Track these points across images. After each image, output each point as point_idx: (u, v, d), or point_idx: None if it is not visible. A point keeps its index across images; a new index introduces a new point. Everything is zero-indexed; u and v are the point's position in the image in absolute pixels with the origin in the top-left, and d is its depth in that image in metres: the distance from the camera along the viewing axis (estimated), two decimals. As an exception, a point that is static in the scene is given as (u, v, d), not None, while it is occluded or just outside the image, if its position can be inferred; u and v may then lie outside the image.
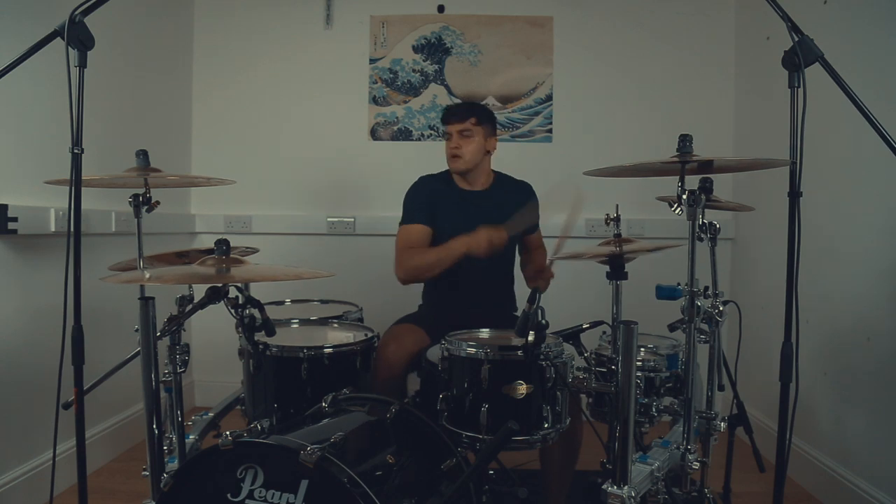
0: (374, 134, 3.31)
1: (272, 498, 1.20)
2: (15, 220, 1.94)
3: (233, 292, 1.42)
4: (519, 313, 1.46)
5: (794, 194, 1.28)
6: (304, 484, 1.18)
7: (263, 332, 1.54)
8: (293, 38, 3.30)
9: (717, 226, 1.67)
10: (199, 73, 3.33)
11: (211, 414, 1.92)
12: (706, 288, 1.57)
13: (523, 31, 3.27)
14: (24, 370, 2.05)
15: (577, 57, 3.26)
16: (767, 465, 1.76)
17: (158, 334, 1.33)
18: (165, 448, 1.55)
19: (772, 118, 2.73)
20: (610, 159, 1.60)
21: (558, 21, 3.26)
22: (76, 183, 1.30)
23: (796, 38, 1.26)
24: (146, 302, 1.30)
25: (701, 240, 1.50)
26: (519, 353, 1.47)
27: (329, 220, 3.27)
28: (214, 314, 1.51)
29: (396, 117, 3.30)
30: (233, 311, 1.44)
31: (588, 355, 1.66)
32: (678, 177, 1.47)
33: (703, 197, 1.44)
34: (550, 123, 3.27)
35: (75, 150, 1.29)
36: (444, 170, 2.32)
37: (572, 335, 1.64)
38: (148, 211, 1.71)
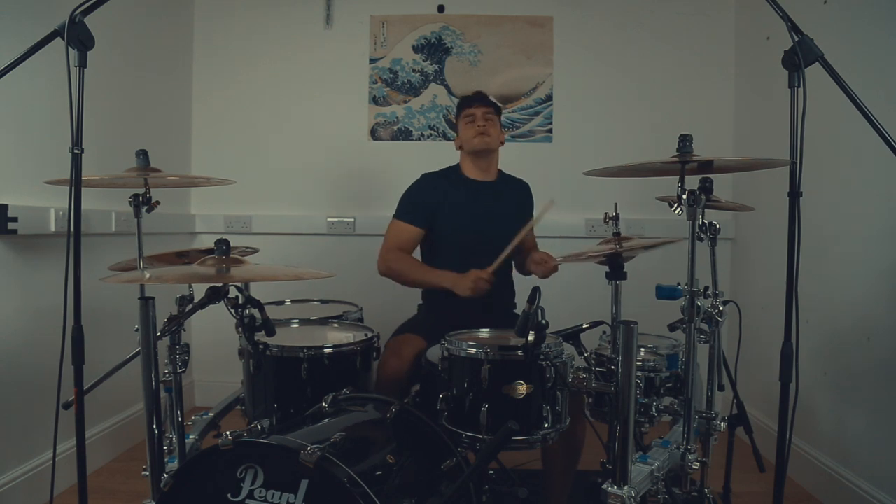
0: (374, 134, 3.31)
1: (272, 498, 1.20)
2: (15, 220, 1.94)
3: (233, 292, 1.41)
4: (519, 313, 1.46)
5: (794, 194, 1.28)
6: (304, 484, 1.18)
7: (263, 332, 1.54)
8: (293, 38, 3.30)
9: (717, 226, 1.67)
10: (199, 73, 3.33)
11: (211, 414, 1.92)
12: (706, 288, 1.57)
13: (523, 31, 3.27)
14: (24, 370, 2.05)
15: (577, 57, 3.26)
16: (767, 465, 1.76)
17: (158, 334, 1.33)
18: (165, 448, 1.55)
19: (772, 118, 2.73)
20: (610, 159, 1.60)
21: (558, 21, 3.26)
22: (76, 183, 1.30)
23: (796, 38, 1.26)
24: (146, 302, 1.30)
25: (701, 240, 1.50)
26: (519, 353, 1.47)
27: (329, 220, 3.27)
28: (214, 314, 1.51)
29: (396, 117, 3.30)
30: (233, 311, 1.44)
31: (588, 355, 1.66)
32: (678, 177, 1.47)
33: (703, 197, 1.44)
34: (550, 123, 3.27)
35: (75, 150, 1.29)
36: (447, 166, 2.32)
37: (572, 335, 1.64)
38: (148, 211, 1.71)
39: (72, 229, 1.30)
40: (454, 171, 2.31)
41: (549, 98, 3.27)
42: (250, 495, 1.21)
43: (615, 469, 1.33)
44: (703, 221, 1.47)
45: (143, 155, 1.63)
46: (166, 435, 1.57)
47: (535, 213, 2.20)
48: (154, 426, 1.33)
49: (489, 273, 1.97)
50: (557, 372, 1.49)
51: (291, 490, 1.19)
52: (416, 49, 3.29)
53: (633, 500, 1.30)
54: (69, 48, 1.27)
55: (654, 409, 1.72)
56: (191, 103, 3.33)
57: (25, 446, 2.07)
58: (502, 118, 3.18)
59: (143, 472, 1.39)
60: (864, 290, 2.11)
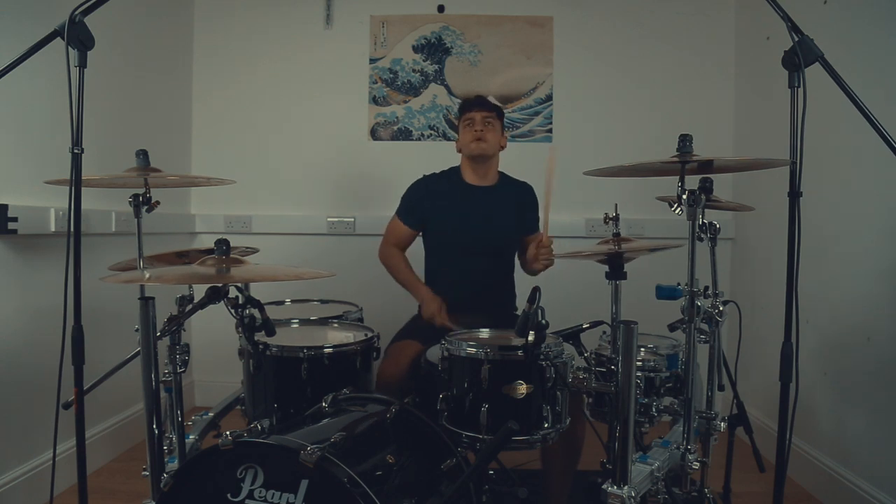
0: (374, 134, 3.31)
1: (272, 498, 1.20)
2: (15, 220, 1.94)
3: (233, 292, 1.42)
4: (519, 313, 1.46)
5: (794, 194, 1.28)
6: (304, 484, 1.18)
7: (263, 332, 1.54)
8: (293, 38, 3.30)
9: (717, 226, 1.67)
10: (199, 73, 3.33)
11: (211, 414, 1.92)
12: (706, 288, 1.57)
13: (523, 31, 3.27)
14: (24, 370, 2.05)
15: (577, 57, 3.26)
16: (767, 465, 1.76)
17: (158, 334, 1.33)
18: (165, 448, 1.55)
19: (772, 118, 2.73)
20: (610, 159, 1.59)
21: (558, 21, 3.26)
22: (76, 183, 1.30)
23: (796, 38, 1.26)
24: (146, 302, 1.30)
25: (701, 240, 1.50)
26: (519, 353, 1.47)
27: (329, 220, 3.27)
28: (214, 314, 1.51)
29: (396, 117, 3.30)
30: (233, 311, 1.44)
31: (588, 355, 1.66)
32: (678, 177, 1.47)
33: (703, 197, 1.44)
34: (550, 123, 3.27)
35: (75, 150, 1.29)
36: (449, 167, 2.33)
37: (572, 335, 1.64)
38: (148, 211, 1.71)
39: (72, 229, 1.30)
40: (455, 173, 2.32)
41: (549, 98, 3.27)
42: (250, 495, 1.21)
43: (615, 469, 1.33)
44: (703, 221, 1.47)
45: (143, 155, 1.63)
46: (166, 435, 1.57)
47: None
48: (154, 426, 1.33)
49: (447, 320, 2.06)
50: (557, 372, 1.49)
51: (291, 490, 1.19)
52: (416, 49, 3.29)
53: (633, 500, 1.30)
54: (69, 48, 1.27)
55: (654, 409, 1.72)
56: (191, 103, 3.33)
57: (25, 446, 2.07)
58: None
59: (143, 472, 1.39)
60: (864, 290, 2.11)
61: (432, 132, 3.28)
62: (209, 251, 1.38)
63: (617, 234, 1.67)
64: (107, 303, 2.24)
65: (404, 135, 3.29)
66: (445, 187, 2.26)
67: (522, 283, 2.35)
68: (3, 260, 1.99)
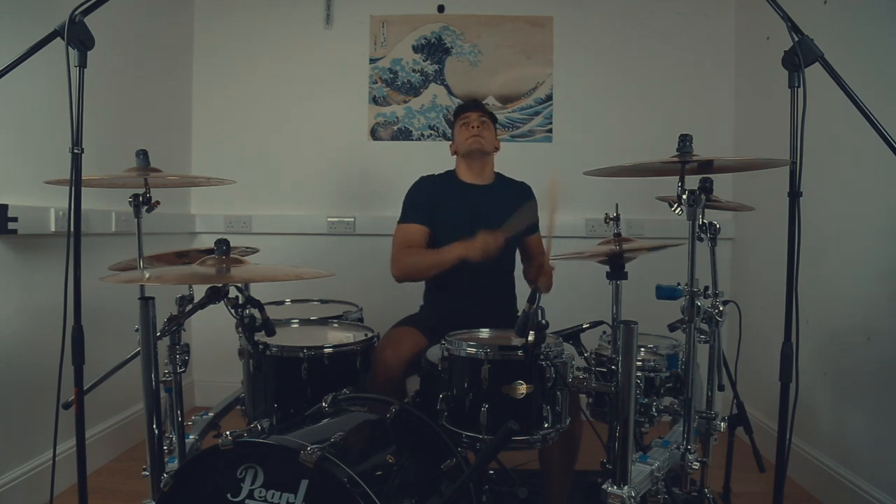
0: (374, 134, 3.31)
1: (272, 498, 1.20)
2: (15, 220, 1.94)
3: (233, 292, 1.42)
4: (520, 313, 1.46)
5: (794, 194, 1.28)
6: (304, 484, 1.18)
7: (263, 332, 1.54)
8: (293, 38, 3.30)
9: (717, 226, 1.67)
10: (199, 73, 3.33)
11: (211, 414, 1.92)
12: (706, 288, 1.57)
13: (523, 31, 3.27)
14: (24, 370, 2.05)
15: (577, 57, 3.26)
16: (767, 465, 1.76)
17: (158, 334, 1.33)
18: (165, 448, 1.55)
19: (772, 118, 2.72)
20: (610, 159, 1.59)
21: (558, 21, 3.26)
22: (76, 183, 1.30)
23: (796, 38, 1.26)
24: (146, 302, 1.30)
25: (701, 240, 1.50)
26: (519, 353, 1.47)
27: (329, 220, 3.27)
28: (214, 314, 1.51)
29: (396, 117, 3.30)
30: (233, 311, 1.44)
31: (588, 355, 1.66)
32: (678, 177, 1.47)
33: (703, 197, 1.44)
34: (550, 123, 3.27)
35: (75, 150, 1.29)
36: (445, 170, 2.33)
37: (572, 335, 1.64)
38: (148, 211, 1.71)
39: (72, 229, 1.30)
40: (450, 175, 2.33)
41: (549, 98, 3.27)
42: (250, 495, 1.21)
43: (615, 469, 1.33)
44: (703, 221, 1.47)
45: (143, 155, 1.63)
46: (166, 435, 1.57)
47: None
48: (154, 426, 1.33)
49: (499, 235, 1.97)
50: (557, 372, 1.49)
51: (291, 490, 1.19)
52: (416, 49, 3.29)
53: (633, 500, 1.30)
54: (69, 48, 1.27)
55: (654, 409, 1.72)
56: (191, 103, 3.33)
57: (25, 446, 2.07)
58: (503, 117, 3.22)
59: (143, 472, 1.39)
60: (864, 290, 2.11)
61: (432, 132, 3.28)
62: (209, 251, 1.38)
63: (618, 235, 1.67)
64: (107, 303, 2.24)
65: (404, 135, 3.30)
66: (445, 187, 2.27)
67: (520, 284, 2.35)
68: (3, 260, 1.99)
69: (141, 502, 1.51)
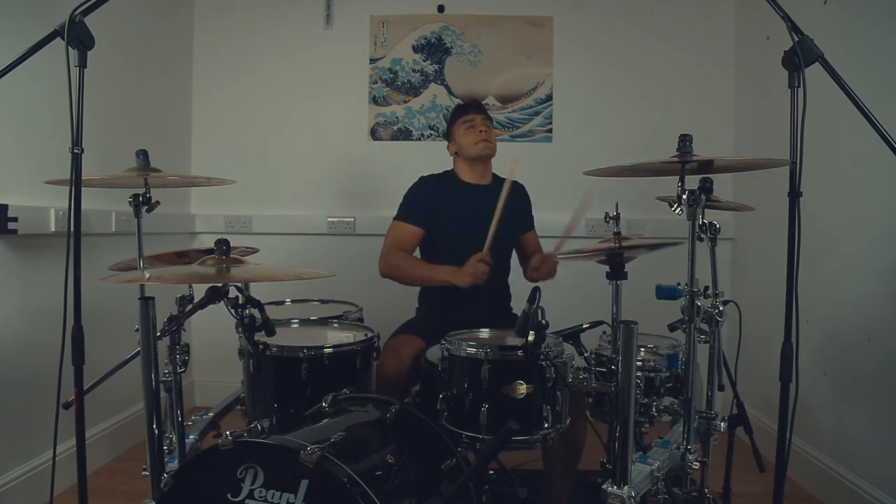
0: (374, 134, 3.31)
1: (272, 498, 1.20)
2: (15, 220, 1.94)
3: (233, 292, 1.41)
4: (516, 311, 1.46)
5: (794, 194, 1.28)
6: (304, 484, 1.18)
7: (263, 332, 1.54)
8: (293, 38, 3.30)
9: (717, 226, 1.67)
10: (199, 73, 3.33)
11: (211, 414, 1.92)
12: (706, 288, 1.57)
13: (523, 31, 3.27)
14: (24, 370, 2.05)
15: (577, 57, 3.26)
16: (767, 465, 1.76)
17: (158, 334, 1.33)
18: (165, 448, 1.55)
19: (772, 118, 2.72)
20: (610, 159, 1.59)
21: (558, 21, 3.26)
22: (76, 183, 1.30)
23: (796, 38, 1.26)
24: (146, 302, 1.30)
25: (701, 240, 1.50)
26: (519, 353, 1.47)
27: (329, 220, 3.27)
28: (214, 314, 1.51)
29: (396, 117, 3.30)
30: (233, 311, 1.44)
31: (588, 355, 1.66)
32: (678, 177, 1.47)
33: (703, 197, 1.44)
34: (550, 123, 3.27)
35: (75, 150, 1.29)
36: (444, 170, 2.33)
37: (572, 335, 1.64)
38: (148, 211, 1.71)
39: (72, 229, 1.30)
40: (450, 175, 2.33)
41: (549, 98, 3.27)
42: (250, 495, 1.21)
43: (615, 469, 1.33)
44: (703, 221, 1.47)
45: (143, 155, 1.63)
46: (166, 435, 1.57)
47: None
48: (154, 426, 1.33)
49: (485, 254, 2.00)
50: (557, 372, 1.49)
51: (291, 490, 1.19)
52: (416, 49, 3.29)
53: (633, 500, 1.30)
54: (69, 48, 1.27)
55: (654, 409, 1.72)
56: (191, 103, 3.33)
57: (25, 446, 2.07)
58: (503, 117, 3.23)
59: (143, 472, 1.39)
60: (864, 290, 2.11)
61: (432, 132, 3.28)
62: (209, 251, 1.38)
63: (618, 233, 1.67)
64: (107, 303, 2.24)
65: (404, 135, 3.30)
66: (445, 187, 2.27)
67: (521, 284, 2.34)
68: (3, 260, 1.99)
69: (141, 502, 1.51)
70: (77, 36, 1.27)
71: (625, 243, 1.64)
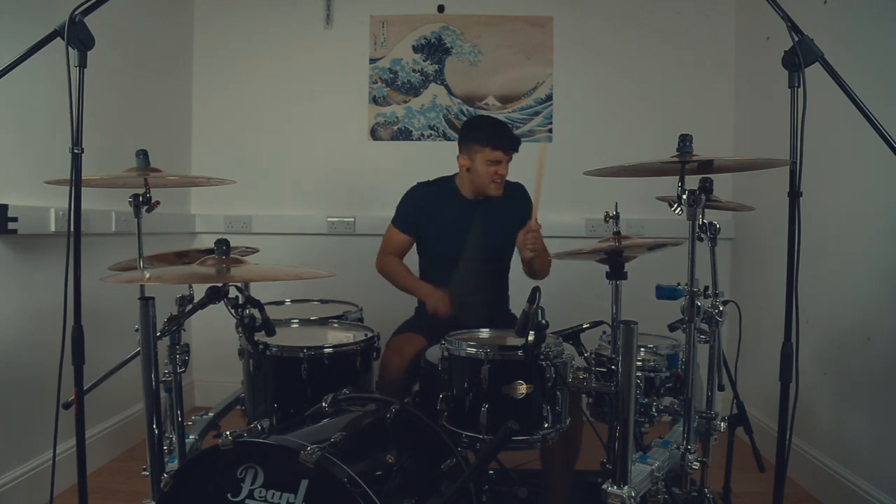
0: (374, 134, 3.31)
1: (272, 498, 1.20)
2: (15, 220, 1.94)
3: (233, 292, 1.42)
4: (515, 310, 1.47)
5: (794, 194, 1.28)
6: (304, 484, 1.19)
7: (263, 332, 1.54)
8: (293, 38, 3.30)
9: (717, 226, 1.67)
10: (199, 73, 3.33)
11: (211, 414, 1.92)
12: (706, 288, 1.57)
13: (523, 31, 3.26)
14: (24, 370, 2.05)
15: (577, 57, 3.26)
16: (767, 465, 1.76)
17: (158, 334, 1.33)
18: (165, 448, 1.55)
19: (772, 118, 2.72)
20: (610, 159, 1.59)
21: (558, 21, 3.26)
22: (76, 183, 1.30)
23: (796, 38, 1.26)
24: (146, 302, 1.30)
25: (701, 240, 1.50)
26: (519, 353, 1.47)
27: (329, 220, 3.27)
28: (214, 314, 1.51)
29: (396, 117, 3.30)
30: (233, 311, 1.44)
31: (588, 355, 1.66)
32: (678, 177, 1.47)
33: (703, 197, 1.44)
34: (550, 123, 3.27)
35: (75, 150, 1.29)
36: (442, 176, 2.33)
37: (572, 335, 1.64)
38: (148, 211, 1.71)
39: (72, 229, 1.30)
40: (449, 183, 2.31)
41: (549, 98, 3.27)
42: (250, 495, 1.21)
43: (615, 469, 1.33)
44: (703, 221, 1.47)
45: (143, 155, 1.63)
46: (166, 435, 1.57)
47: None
48: (154, 426, 1.33)
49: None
50: (557, 372, 1.49)
51: (291, 490, 1.19)
52: (416, 49, 3.29)
53: (633, 500, 1.30)
54: (69, 48, 1.27)
55: (654, 409, 1.72)
56: (191, 103, 3.33)
57: (25, 446, 2.07)
58: (503, 117, 3.22)
59: (143, 472, 1.39)
60: (864, 290, 2.11)
61: (432, 132, 3.28)
62: (209, 251, 1.38)
63: (617, 233, 1.67)
64: (107, 303, 2.24)
65: (404, 135, 3.29)
66: (438, 198, 2.27)
67: (520, 284, 2.34)
68: (3, 260, 1.99)
69: (141, 502, 1.51)
70: (77, 36, 1.27)
71: (624, 241, 1.64)
